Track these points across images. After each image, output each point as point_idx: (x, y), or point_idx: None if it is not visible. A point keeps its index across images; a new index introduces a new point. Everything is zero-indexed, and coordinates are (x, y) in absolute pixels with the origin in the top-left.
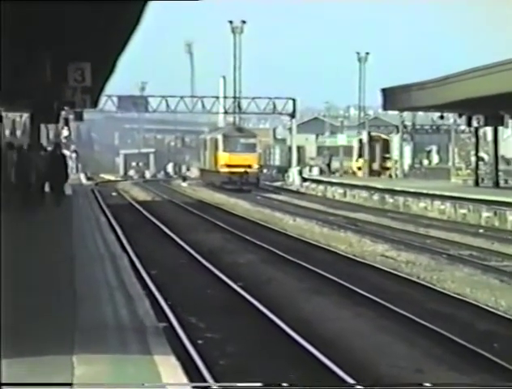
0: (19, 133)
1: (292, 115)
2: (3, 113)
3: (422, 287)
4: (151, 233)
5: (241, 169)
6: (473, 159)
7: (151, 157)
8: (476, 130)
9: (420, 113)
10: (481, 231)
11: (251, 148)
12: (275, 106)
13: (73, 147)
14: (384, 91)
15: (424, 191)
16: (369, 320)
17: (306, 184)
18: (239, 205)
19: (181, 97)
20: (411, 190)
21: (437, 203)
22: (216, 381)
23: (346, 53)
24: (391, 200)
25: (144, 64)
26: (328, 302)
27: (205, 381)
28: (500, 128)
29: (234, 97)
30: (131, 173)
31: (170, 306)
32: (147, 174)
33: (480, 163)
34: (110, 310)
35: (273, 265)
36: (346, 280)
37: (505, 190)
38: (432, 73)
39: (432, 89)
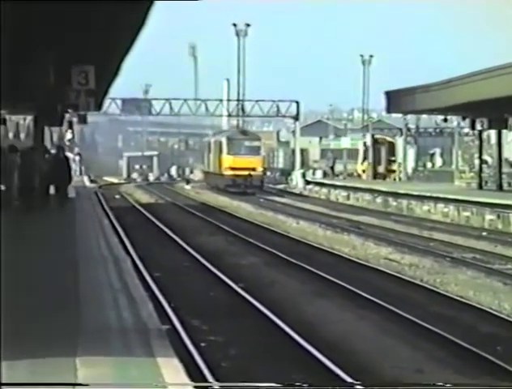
0: (22, 136)
1: (296, 118)
2: (7, 116)
3: (425, 290)
4: (155, 236)
5: (246, 172)
6: (477, 162)
7: (155, 160)
8: (480, 132)
9: (424, 116)
10: (484, 234)
11: (255, 151)
12: (278, 109)
13: (76, 149)
14: (388, 93)
15: (428, 194)
16: (373, 323)
17: (309, 187)
18: (242, 208)
19: (185, 100)
20: (415, 192)
21: (440, 205)
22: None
23: (350, 56)
24: (395, 203)
25: (148, 67)
26: (331, 305)
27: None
28: (504, 131)
29: (238, 100)
30: (134, 175)
31: (173, 309)
32: (151, 177)
33: (484, 166)
34: (113, 312)
35: (276, 268)
36: (349, 283)
37: (509, 193)
38: (436, 76)
39: (435, 92)
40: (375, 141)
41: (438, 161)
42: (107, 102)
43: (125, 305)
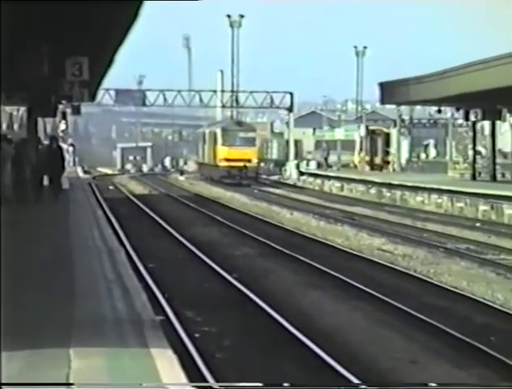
0: (16, 126)
1: (290, 109)
2: (0, 107)
3: (419, 280)
4: (149, 227)
5: (241, 163)
6: (470, 153)
7: (149, 151)
8: (474, 124)
9: (418, 107)
10: (478, 224)
11: (250, 142)
12: (272, 100)
13: (70, 140)
14: (382, 85)
15: (422, 185)
16: (366, 313)
17: (303, 178)
18: (236, 199)
19: (179, 91)
20: (409, 183)
21: (434, 196)
22: (214, 376)
23: (344, 47)
24: (388, 194)
25: (142, 58)
26: (325, 295)
27: (202, 375)
28: (497, 122)
29: (232, 91)
30: (128, 166)
31: (167, 300)
32: (145, 168)
33: (478, 157)
34: (107, 303)
35: (270, 258)
36: (343, 274)
37: (502, 184)
38: (429, 67)
39: (429, 83)
40: (372, 132)
41: (432, 152)
42: (101, 93)
43: (119, 296)
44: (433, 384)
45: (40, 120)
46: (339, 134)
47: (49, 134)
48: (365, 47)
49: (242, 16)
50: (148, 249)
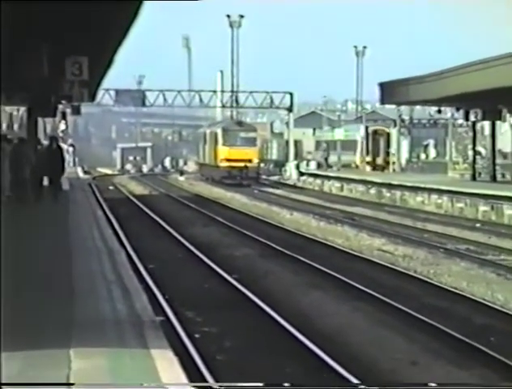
0: (16, 127)
1: (290, 109)
2: (1, 107)
3: (419, 281)
4: (149, 227)
5: (241, 164)
6: (470, 153)
7: (149, 151)
8: (474, 124)
9: (418, 107)
10: (478, 225)
11: (251, 142)
12: (272, 100)
13: (70, 140)
14: (382, 85)
15: (422, 185)
16: (367, 314)
17: (303, 178)
18: (236, 199)
19: (179, 91)
20: (409, 184)
21: (434, 197)
22: (215, 378)
23: (343, 47)
24: (388, 194)
25: (142, 58)
26: (325, 296)
27: (202, 376)
28: (497, 122)
29: (231, 91)
30: (128, 167)
31: (167, 300)
32: (144, 168)
33: (478, 157)
34: (107, 304)
35: (270, 259)
36: (343, 275)
37: (502, 184)
38: (429, 67)
39: (429, 83)
40: (374, 132)
41: (432, 152)
42: (100, 93)
43: (119, 297)
44: (433, 384)
45: (40, 120)
46: (339, 134)
47: (48, 134)
48: (365, 47)
49: (242, 16)
50: (148, 249)
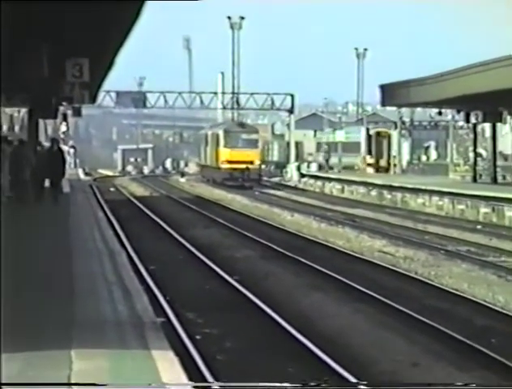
0: (17, 128)
1: (291, 111)
2: (1, 109)
3: (420, 283)
4: (150, 229)
5: (243, 165)
6: (471, 155)
7: (149, 153)
8: (475, 126)
9: (419, 109)
10: (479, 227)
11: (253, 144)
12: (273, 102)
13: (71, 142)
14: (382, 87)
15: (422, 187)
16: (368, 316)
17: (304, 180)
18: (237, 201)
19: (180, 93)
20: (409, 185)
21: (435, 198)
22: (216, 378)
23: (344, 49)
24: (389, 196)
25: (142, 60)
26: (326, 298)
27: (203, 376)
28: (498, 124)
29: (232, 93)
30: (129, 168)
31: (168, 302)
32: (145, 170)
33: (478, 159)
34: (108, 305)
35: (271, 261)
36: (344, 276)
37: (503, 186)
38: (430, 69)
39: (430, 85)
40: (377, 134)
41: (433, 154)
42: (101, 95)
43: (120, 298)
44: (430, 384)
45: (41, 121)
46: (340, 136)
47: (49, 135)
48: (366, 49)
49: (243, 18)
50: (149, 250)
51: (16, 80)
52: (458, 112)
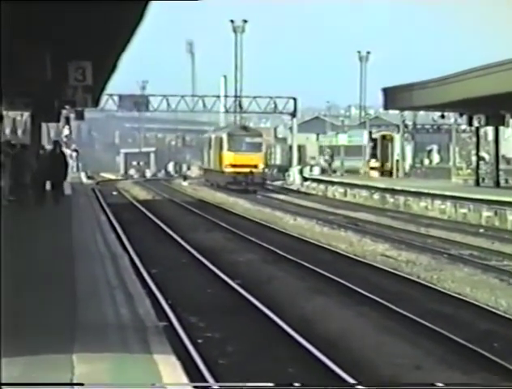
0: (19, 132)
1: (293, 114)
2: (4, 112)
3: (422, 286)
4: (152, 232)
5: (247, 169)
6: (474, 158)
7: (152, 156)
8: (477, 129)
9: (421, 113)
10: (482, 231)
11: (257, 147)
12: (275, 105)
13: (73, 145)
14: (385, 90)
15: (425, 191)
16: (370, 320)
17: (307, 183)
18: (239, 204)
19: (182, 96)
20: (412, 189)
21: (437, 202)
22: (216, 380)
23: (347, 53)
24: (392, 200)
25: (145, 63)
26: (329, 301)
27: (205, 381)
28: (501, 128)
29: (235, 96)
30: (132, 172)
31: (170, 306)
32: (148, 173)
33: (481, 162)
34: (110, 309)
35: (274, 264)
36: (347, 280)
37: (506, 190)
38: (433, 72)
39: (433, 88)
40: (383, 137)
41: (435, 158)
42: (104, 98)
43: (122, 302)
44: (440, 384)
45: (43, 125)
46: (343, 139)
47: (52, 139)
48: (369, 52)
49: (245, 21)
50: (151, 254)
51: (19, 84)
52: (461, 115)
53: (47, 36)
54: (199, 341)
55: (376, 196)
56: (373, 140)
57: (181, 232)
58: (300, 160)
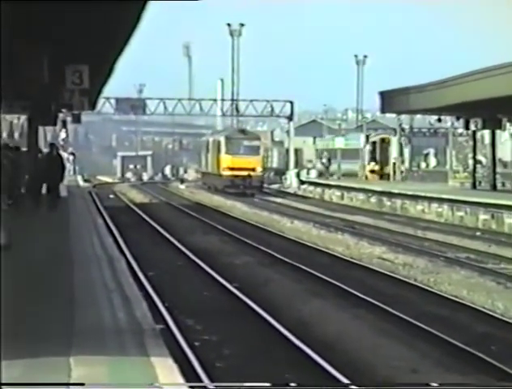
0: (16, 135)
1: (290, 118)
2: (1, 115)
3: (419, 289)
4: (149, 235)
5: (245, 173)
6: (471, 162)
7: (149, 159)
8: (474, 133)
9: (418, 116)
10: (478, 234)
11: (255, 151)
12: (272, 109)
13: (70, 149)
14: (382, 94)
15: (422, 194)
16: (367, 322)
17: (304, 186)
18: (236, 207)
19: (179, 100)
20: (409, 192)
21: (434, 205)
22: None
23: (344, 56)
24: (389, 203)
25: (142, 66)
26: (326, 304)
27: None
28: (497, 131)
29: (232, 100)
30: (129, 175)
31: (167, 308)
32: (145, 176)
33: (478, 166)
34: (107, 312)
35: (270, 267)
36: (343, 283)
37: (503, 193)
38: (430, 76)
39: (430, 92)
40: (382, 140)
41: (432, 161)
42: (101, 101)
43: (119, 305)
44: (434, 384)
45: (40, 128)
46: (340, 142)
47: (49, 142)
48: (366, 56)
49: (242, 25)
50: (148, 257)
51: (16, 87)
52: (458, 119)
53: (45, 38)
54: (196, 344)
55: (373, 199)
56: (373, 143)
57: (178, 235)
58: (297, 164)
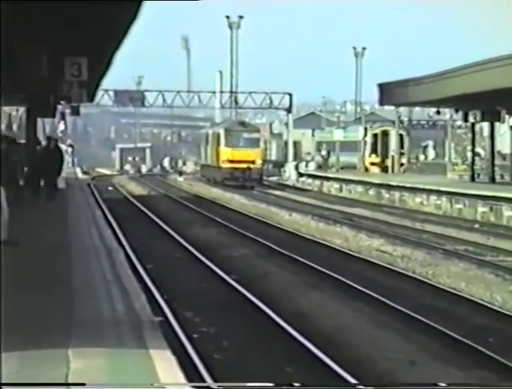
0: (15, 127)
1: (289, 110)
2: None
3: (418, 281)
4: (148, 228)
5: (244, 165)
6: (469, 154)
7: (148, 152)
8: (473, 125)
9: (417, 109)
10: (477, 226)
11: (254, 143)
12: (271, 101)
13: (69, 141)
14: (381, 86)
15: (420, 186)
16: (365, 314)
17: (302, 179)
18: (235, 200)
19: (178, 92)
20: (407, 184)
21: (433, 197)
22: (213, 378)
23: (343, 48)
24: (387, 195)
25: (141, 59)
26: (324, 296)
27: (200, 375)
28: (496, 123)
29: (231, 92)
30: (127, 167)
31: (166, 301)
32: (143, 169)
33: (476, 158)
34: (106, 304)
35: (269, 259)
36: (342, 275)
37: (501, 186)
38: (428, 68)
39: (428, 84)
40: (383, 133)
41: (431, 154)
42: (100, 94)
43: (117, 297)
44: (443, 384)
45: (39, 120)
46: (338, 135)
47: (47, 134)
48: (364, 48)
49: (241, 17)
50: (147, 249)
51: (15, 79)
52: (457, 111)
53: (45, 32)
54: (195, 336)
55: (371, 192)
56: (374, 136)
57: (177, 227)
58: (296, 156)
